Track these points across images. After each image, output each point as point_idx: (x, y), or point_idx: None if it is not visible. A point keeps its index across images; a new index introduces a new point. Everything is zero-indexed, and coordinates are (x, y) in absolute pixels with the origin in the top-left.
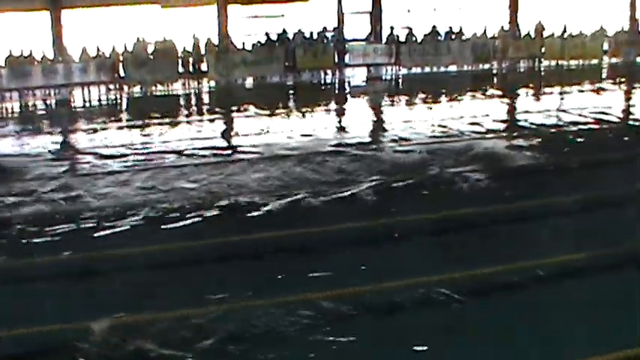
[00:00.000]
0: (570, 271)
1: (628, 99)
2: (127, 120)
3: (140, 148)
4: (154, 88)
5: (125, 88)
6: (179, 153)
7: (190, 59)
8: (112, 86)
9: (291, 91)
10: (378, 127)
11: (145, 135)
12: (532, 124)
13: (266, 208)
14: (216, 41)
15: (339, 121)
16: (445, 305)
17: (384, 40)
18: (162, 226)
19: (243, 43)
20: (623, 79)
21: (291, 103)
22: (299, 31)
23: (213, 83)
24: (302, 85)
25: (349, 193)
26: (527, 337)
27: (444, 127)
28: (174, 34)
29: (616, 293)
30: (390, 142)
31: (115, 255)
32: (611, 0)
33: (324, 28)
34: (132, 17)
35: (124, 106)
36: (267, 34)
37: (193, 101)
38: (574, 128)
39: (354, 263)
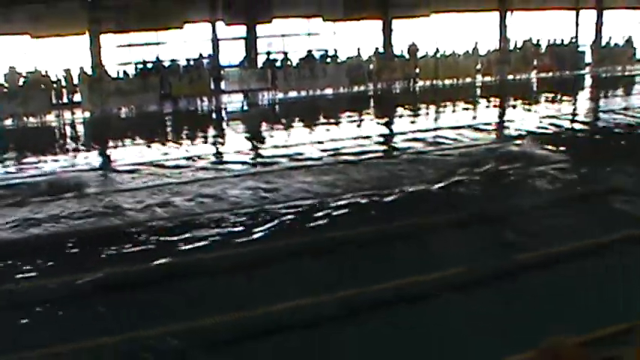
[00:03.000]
0: None
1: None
2: None
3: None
4: (26, 120)
5: None
6: None
7: (64, 90)
8: None
9: (163, 120)
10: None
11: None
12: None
13: None
14: (89, 71)
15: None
16: None
17: (259, 65)
18: None
19: (118, 72)
20: (495, 97)
21: (156, 133)
22: (173, 58)
23: (88, 114)
24: (176, 114)
25: None
26: None
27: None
28: (46, 64)
29: None
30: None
31: None
32: (483, 20)
33: (200, 55)
34: (1, 48)
35: None
36: (143, 62)
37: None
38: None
39: None
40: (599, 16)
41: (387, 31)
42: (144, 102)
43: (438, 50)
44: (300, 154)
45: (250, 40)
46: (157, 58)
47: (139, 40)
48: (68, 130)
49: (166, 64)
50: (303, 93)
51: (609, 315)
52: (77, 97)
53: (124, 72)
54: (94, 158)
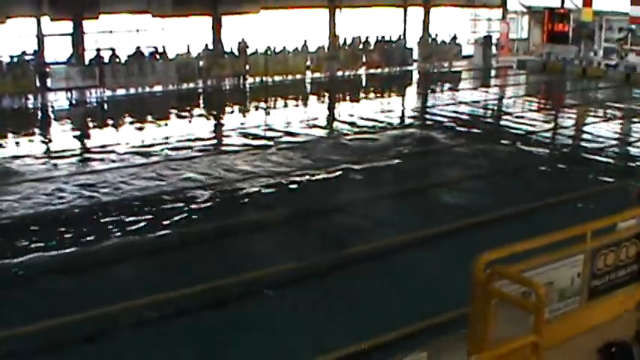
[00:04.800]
0: None
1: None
2: None
3: None
4: None
5: None
6: None
7: None
8: None
9: None
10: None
11: None
12: None
13: None
14: None
15: None
16: None
17: (87, 62)
18: None
19: None
20: (323, 93)
21: None
22: None
23: None
24: None
25: None
26: None
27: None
28: None
29: None
30: None
31: None
32: (312, 17)
33: (24, 52)
34: None
35: None
36: None
37: None
38: None
39: None
40: (426, 13)
41: (217, 28)
42: None
43: (268, 47)
44: (125, 153)
45: (77, 37)
46: None
47: None
48: None
49: None
50: (132, 90)
51: None
52: None
53: None
54: None
